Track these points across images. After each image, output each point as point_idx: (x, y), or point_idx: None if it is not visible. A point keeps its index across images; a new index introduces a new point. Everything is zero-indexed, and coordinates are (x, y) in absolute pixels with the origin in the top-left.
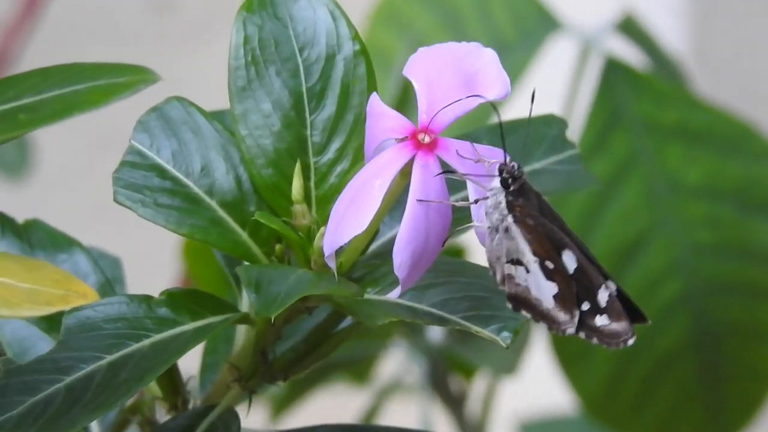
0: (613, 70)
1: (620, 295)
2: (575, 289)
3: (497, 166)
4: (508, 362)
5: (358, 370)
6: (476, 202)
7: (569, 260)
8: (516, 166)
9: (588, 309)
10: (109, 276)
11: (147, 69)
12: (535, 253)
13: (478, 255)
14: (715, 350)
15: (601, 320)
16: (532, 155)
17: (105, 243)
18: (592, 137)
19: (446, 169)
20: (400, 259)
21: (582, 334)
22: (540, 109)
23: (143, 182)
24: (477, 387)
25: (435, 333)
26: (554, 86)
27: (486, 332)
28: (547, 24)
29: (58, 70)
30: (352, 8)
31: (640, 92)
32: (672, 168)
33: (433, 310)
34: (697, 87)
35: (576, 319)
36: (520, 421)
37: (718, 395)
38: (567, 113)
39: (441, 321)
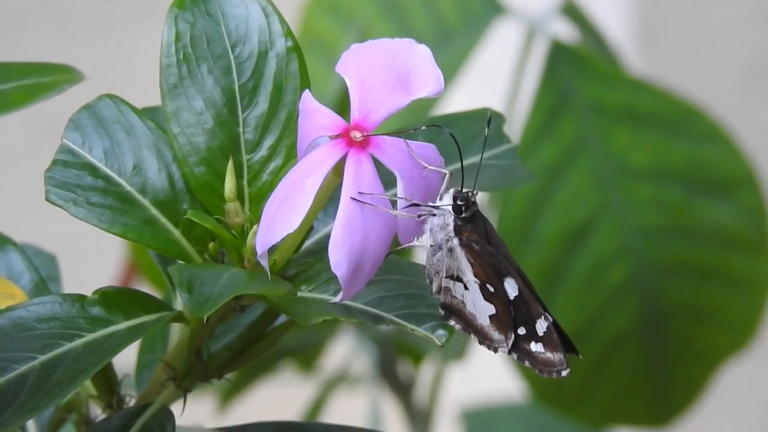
0: (559, 53)
1: (555, 326)
2: (513, 314)
3: (452, 192)
4: (456, 348)
5: (307, 357)
6: (419, 217)
7: (511, 288)
8: (471, 193)
9: (524, 334)
10: (43, 274)
11: (72, 68)
12: (476, 276)
13: None
14: (662, 332)
15: (535, 347)
16: (468, 150)
17: (58, 225)
18: (540, 121)
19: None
20: (336, 256)
21: (515, 356)
22: (486, 95)
23: (75, 181)
24: (425, 373)
25: None
26: (499, 71)
27: (421, 330)
28: (491, 9)
29: None
30: None
31: (587, 75)
32: (619, 150)
33: (368, 308)
34: (644, 69)
35: (510, 341)
36: (463, 409)
37: (665, 377)
38: (513, 98)
39: (376, 319)
